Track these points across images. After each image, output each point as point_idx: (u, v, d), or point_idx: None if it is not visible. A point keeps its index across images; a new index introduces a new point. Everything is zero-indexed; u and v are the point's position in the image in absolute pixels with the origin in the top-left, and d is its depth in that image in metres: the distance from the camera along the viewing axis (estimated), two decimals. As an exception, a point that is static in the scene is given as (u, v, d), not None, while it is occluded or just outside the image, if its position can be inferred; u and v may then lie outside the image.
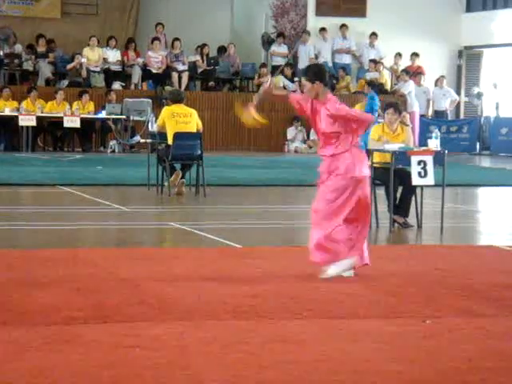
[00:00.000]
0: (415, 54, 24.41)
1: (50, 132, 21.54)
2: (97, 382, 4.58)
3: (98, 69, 22.74)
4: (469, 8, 25.69)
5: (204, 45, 23.68)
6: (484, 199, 15.07)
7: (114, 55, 22.95)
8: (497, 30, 24.65)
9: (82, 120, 20.90)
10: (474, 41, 25.36)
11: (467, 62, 25.92)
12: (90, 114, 21.24)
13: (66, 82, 22.42)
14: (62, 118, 20.69)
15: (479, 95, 24.76)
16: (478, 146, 24.24)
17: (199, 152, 13.28)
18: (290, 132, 23.08)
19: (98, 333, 5.52)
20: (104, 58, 22.82)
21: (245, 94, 23.73)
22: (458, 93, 25.76)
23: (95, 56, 22.74)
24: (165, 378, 4.66)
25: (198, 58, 23.62)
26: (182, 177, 13.32)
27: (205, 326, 5.78)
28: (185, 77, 23.09)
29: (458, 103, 25.59)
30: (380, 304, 6.54)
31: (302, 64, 24.23)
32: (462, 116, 25.73)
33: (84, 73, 22.38)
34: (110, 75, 22.81)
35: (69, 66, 22.48)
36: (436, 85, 24.38)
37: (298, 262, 8.03)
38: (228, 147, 22.90)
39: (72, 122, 20.75)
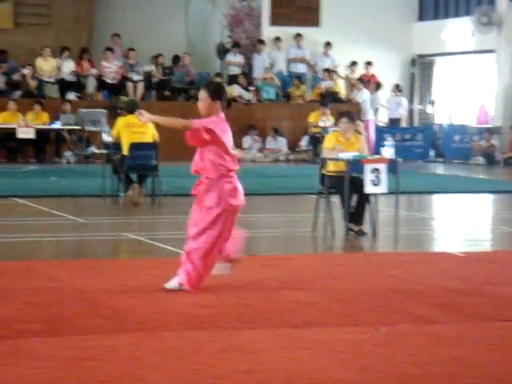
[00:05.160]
0: (369, 63, 24.61)
1: (4, 143, 21.32)
2: (50, 396, 4.55)
3: (51, 79, 22.58)
4: (421, 17, 25.97)
5: (159, 55, 23.65)
6: (438, 206, 15.21)
7: (67, 65, 22.81)
8: (448, 39, 24.94)
9: (37, 131, 20.72)
10: (427, 49, 25.63)
11: (420, 70, 26.18)
12: (44, 125, 21.08)
13: (18, 93, 22.21)
14: (14, 129, 20.49)
15: (432, 103, 24.99)
16: (431, 153, 24.46)
17: (154, 162, 13.26)
18: (246, 141, 23.11)
19: (51, 346, 5.48)
20: (58, 68, 22.68)
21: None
22: (412, 100, 26.00)
23: (48, 66, 22.58)
24: (119, 390, 4.65)
25: (153, 67, 23.58)
26: (140, 188, 13.28)
27: (159, 337, 5.77)
28: (140, 87, 23.04)
29: (411, 111, 25.83)
30: (334, 312, 6.58)
31: (257, 73, 24.32)
32: (415, 124, 25.97)
33: (33, 84, 22.19)
34: (64, 85, 22.67)
35: (14, 78, 22.26)
36: (391, 93, 24.59)
37: (252, 271, 8.04)
38: (185, 157, 22.81)
39: (26, 133, 20.56)
